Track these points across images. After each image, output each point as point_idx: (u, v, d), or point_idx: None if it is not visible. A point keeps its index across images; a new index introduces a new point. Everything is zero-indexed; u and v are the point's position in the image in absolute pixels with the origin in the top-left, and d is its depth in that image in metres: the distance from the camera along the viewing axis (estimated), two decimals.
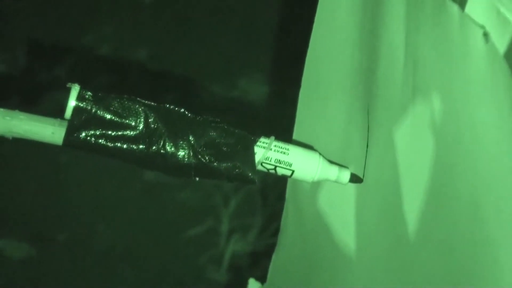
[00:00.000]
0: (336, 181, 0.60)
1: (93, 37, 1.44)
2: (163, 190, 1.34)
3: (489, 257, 0.52)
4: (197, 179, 0.59)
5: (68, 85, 0.59)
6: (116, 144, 0.58)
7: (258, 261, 1.23)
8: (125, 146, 0.58)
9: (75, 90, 0.58)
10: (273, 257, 0.74)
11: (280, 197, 1.32)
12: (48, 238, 1.19)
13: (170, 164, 0.58)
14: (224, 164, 0.58)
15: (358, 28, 0.62)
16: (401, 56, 0.56)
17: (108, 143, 0.58)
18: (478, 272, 0.53)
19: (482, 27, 0.49)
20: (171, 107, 0.59)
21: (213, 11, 1.52)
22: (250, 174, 0.59)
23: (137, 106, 0.59)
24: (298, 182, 0.69)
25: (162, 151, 0.58)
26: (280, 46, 1.60)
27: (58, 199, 1.23)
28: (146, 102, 0.59)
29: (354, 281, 0.65)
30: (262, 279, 0.83)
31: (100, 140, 0.58)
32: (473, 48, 0.49)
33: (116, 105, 0.59)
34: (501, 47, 0.49)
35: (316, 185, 0.68)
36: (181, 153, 0.58)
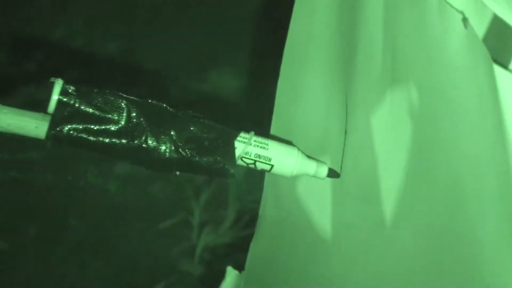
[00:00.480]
0: (314, 176, 0.61)
1: (64, 31, 1.44)
2: (135, 183, 1.35)
3: (468, 235, 0.53)
4: (178, 173, 0.60)
5: (52, 79, 0.60)
6: (99, 138, 0.59)
7: (230, 253, 1.24)
8: (107, 140, 0.59)
9: (58, 84, 0.59)
10: (251, 245, 0.74)
11: (252, 191, 1.33)
12: (19, 232, 1.19)
13: (152, 158, 0.59)
14: (205, 159, 0.60)
15: (337, 16, 0.62)
16: (380, 42, 0.57)
17: (90, 137, 0.59)
18: (458, 249, 0.54)
19: (461, 12, 0.50)
20: (153, 102, 0.60)
21: (184, 4, 1.53)
22: (230, 168, 0.60)
23: (119, 100, 0.60)
24: (275, 179, 0.70)
25: (144, 145, 0.59)
26: (252, 39, 1.61)
27: (29, 192, 1.23)
28: (129, 97, 0.60)
29: (334, 264, 0.66)
30: (236, 269, 0.84)
31: (83, 134, 0.59)
32: (452, 34, 0.50)
33: (99, 99, 0.60)
34: (480, 32, 0.51)
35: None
36: (162, 147, 0.59)
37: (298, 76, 0.68)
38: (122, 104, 0.59)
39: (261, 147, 0.61)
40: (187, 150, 0.59)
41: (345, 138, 0.62)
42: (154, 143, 0.59)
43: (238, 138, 0.60)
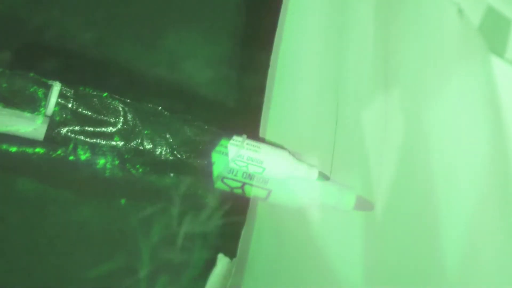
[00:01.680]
0: (304, 177, 0.63)
1: (39, 21, 1.44)
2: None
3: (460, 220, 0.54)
4: (172, 175, 0.62)
5: (50, 82, 0.61)
6: (96, 140, 0.61)
7: (211, 241, 1.26)
8: (104, 142, 0.61)
9: (56, 87, 0.61)
10: (242, 232, 0.75)
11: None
12: (2, 219, 1.19)
13: (147, 160, 0.61)
14: (199, 161, 0.61)
15: (329, 6, 0.63)
16: (371, 33, 0.58)
17: (87, 139, 0.61)
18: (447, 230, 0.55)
19: (456, 3, 0.51)
20: (150, 105, 0.62)
21: None
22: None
23: (116, 103, 0.61)
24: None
25: (140, 147, 0.61)
26: (230, 29, 1.62)
27: (10, 181, 1.24)
28: (125, 100, 0.61)
29: (322, 251, 0.66)
30: (214, 259, 0.86)
31: (80, 136, 0.61)
32: (448, 25, 0.51)
33: (96, 102, 0.61)
34: (475, 22, 0.52)
35: None
36: (158, 150, 0.61)
37: (289, 71, 0.68)
38: (119, 106, 0.61)
39: (253, 150, 0.63)
40: (182, 153, 0.61)
41: (335, 137, 0.63)
42: (149, 146, 0.61)
43: (231, 142, 0.62)
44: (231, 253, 0.86)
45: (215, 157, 0.61)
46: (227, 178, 0.62)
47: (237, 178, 0.61)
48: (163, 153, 0.61)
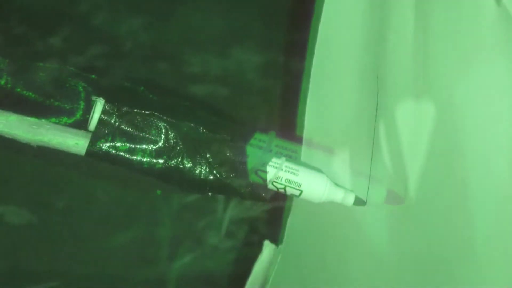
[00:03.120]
0: (341, 203, 0.63)
1: (88, 6, 1.45)
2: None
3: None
4: (210, 194, 0.63)
5: (93, 98, 0.62)
6: (137, 157, 0.62)
7: (256, 227, 1.27)
8: (145, 159, 0.62)
9: (100, 103, 0.61)
10: (289, 219, 0.75)
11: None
12: (47, 205, 1.22)
13: (186, 179, 0.62)
14: (239, 181, 0.62)
15: (367, 4, 0.63)
16: (411, 23, 0.58)
17: (128, 156, 0.61)
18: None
19: None
20: (192, 125, 0.62)
21: None
22: (261, 192, 0.62)
23: (158, 121, 0.62)
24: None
25: (180, 166, 0.61)
26: (276, 14, 1.61)
27: (57, 164, 1.26)
28: (167, 118, 0.62)
29: (363, 238, 0.66)
30: (259, 243, 0.87)
31: (121, 153, 0.62)
32: (485, 11, 0.51)
33: (139, 119, 0.62)
34: None
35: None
36: (198, 169, 0.62)
37: (328, 72, 0.68)
38: (161, 125, 0.62)
39: (291, 173, 0.63)
40: (222, 173, 0.62)
41: (369, 175, 0.64)
42: (190, 164, 0.62)
43: (270, 163, 0.62)
44: (273, 239, 0.86)
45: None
46: (275, 181, 0.62)
47: (281, 182, 0.62)
48: (203, 172, 0.62)
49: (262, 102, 1.51)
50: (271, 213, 1.24)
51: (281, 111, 1.48)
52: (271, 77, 1.57)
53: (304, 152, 0.71)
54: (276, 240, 0.86)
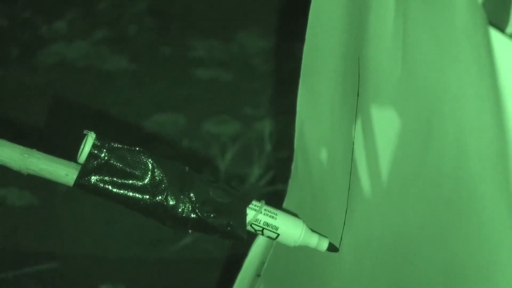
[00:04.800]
0: (315, 248, 0.66)
1: None
2: (160, 143, 1.39)
3: (471, 192, 0.58)
4: (190, 232, 0.65)
5: (85, 132, 0.64)
6: (123, 191, 0.64)
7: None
8: (130, 194, 0.64)
9: (91, 137, 0.64)
10: (285, 202, 0.78)
11: (276, 148, 1.37)
12: (49, 188, 1.24)
13: (169, 215, 0.65)
14: (219, 221, 0.65)
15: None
16: (392, 8, 0.60)
17: (115, 190, 0.64)
18: (462, 207, 0.59)
19: None
20: (178, 163, 0.65)
21: None
22: (240, 232, 0.65)
23: (145, 158, 0.64)
24: (304, 141, 0.73)
25: (164, 203, 0.64)
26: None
27: (59, 147, 1.29)
28: (155, 156, 0.65)
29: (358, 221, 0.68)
30: None
31: (109, 186, 0.64)
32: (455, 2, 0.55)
33: (127, 155, 0.64)
34: None
35: (321, 139, 0.72)
36: (181, 206, 0.64)
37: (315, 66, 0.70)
38: (148, 162, 0.64)
39: (270, 216, 0.66)
40: (203, 212, 0.64)
41: (345, 217, 0.66)
42: (173, 202, 0.64)
43: (250, 206, 0.65)
44: None
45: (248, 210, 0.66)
46: (254, 223, 0.66)
47: (259, 224, 0.66)
48: (186, 210, 0.64)
49: (265, 86, 1.53)
50: (271, 196, 1.27)
51: (283, 97, 1.50)
52: (275, 62, 1.59)
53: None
54: None
